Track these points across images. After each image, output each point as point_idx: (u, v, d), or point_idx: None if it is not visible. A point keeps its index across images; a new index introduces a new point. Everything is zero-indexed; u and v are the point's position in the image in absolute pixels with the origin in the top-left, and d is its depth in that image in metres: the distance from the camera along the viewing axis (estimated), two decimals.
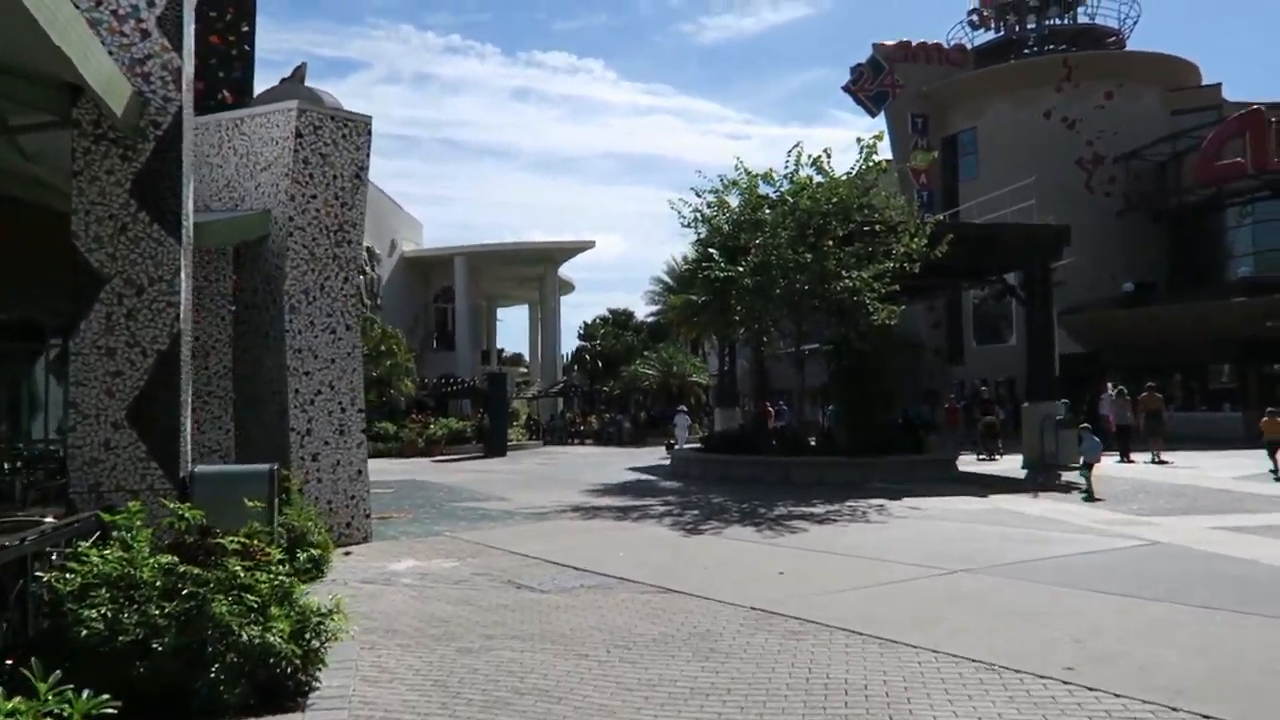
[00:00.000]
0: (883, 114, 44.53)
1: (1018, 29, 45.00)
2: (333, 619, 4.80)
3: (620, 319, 54.98)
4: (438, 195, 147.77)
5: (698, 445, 24.64)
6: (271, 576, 4.69)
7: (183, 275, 6.41)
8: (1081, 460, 15.26)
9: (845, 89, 45.55)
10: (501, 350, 59.62)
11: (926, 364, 38.14)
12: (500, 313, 62.38)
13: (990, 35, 45.93)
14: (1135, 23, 47.26)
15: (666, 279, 50.49)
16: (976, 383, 40.80)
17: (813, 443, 20.91)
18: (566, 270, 52.12)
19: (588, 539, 10.76)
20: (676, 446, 26.78)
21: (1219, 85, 41.67)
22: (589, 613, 6.82)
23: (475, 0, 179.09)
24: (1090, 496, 14.13)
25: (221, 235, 10.11)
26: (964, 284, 25.43)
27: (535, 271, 49.20)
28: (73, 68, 5.04)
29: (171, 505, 4.96)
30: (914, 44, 45.53)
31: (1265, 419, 18.14)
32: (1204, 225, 37.12)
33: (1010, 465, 20.13)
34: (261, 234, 10.43)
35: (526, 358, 59.66)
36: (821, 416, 28.12)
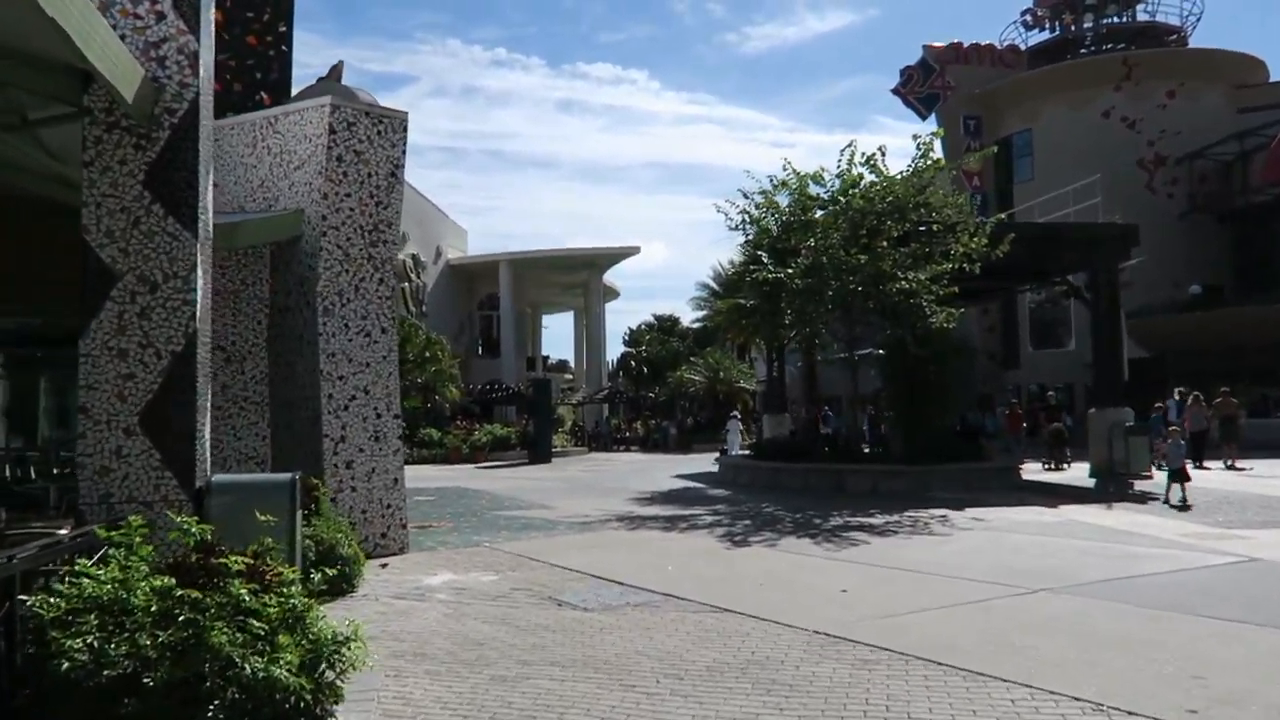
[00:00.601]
0: (933, 117, 43.62)
1: (1074, 28, 43.74)
2: (350, 647, 4.30)
3: (666, 325, 54.36)
4: (483, 206, 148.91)
5: (747, 452, 23.96)
6: (282, 599, 4.20)
7: (199, 272, 5.98)
8: (1166, 466, 14.36)
9: (894, 91, 44.64)
10: (547, 357, 59.37)
11: (980, 369, 37.06)
12: (545, 319, 62.28)
13: (1045, 35, 44.75)
14: (1198, 20, 45.86)
15: (712, 284, 49.85)
16: (1035, 388, 39.64)
17: (866, 450, 20.13)
18: (611, 277, 51.74)
19: (634, 551, 10.20)
20: (729, 453, 26.12)
21: None
22: (636, 635, 6.25)
23: (521, 14, 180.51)
24: (1183, 505, 13.30)
25: (253, 235, 9.77)
26: (1025, 286, 24.39)
27: (580, 278, 48.88)
28: (75, 48, 4.62)
29: (178, 518, 4.51)
30: (965, 45, 44.58)
31: None
32: (1271, 225, 35.63)
33: (1076, 474, 19.17)
34: (295, 234, 10.06)
35: (572, 364, 59.36)
36: (867, 424, 27.32)
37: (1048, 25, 44.79)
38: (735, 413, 32.64)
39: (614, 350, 59.08)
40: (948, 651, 5.53)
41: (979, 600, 7.11)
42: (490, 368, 46.64)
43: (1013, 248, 17.02)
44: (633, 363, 49.62)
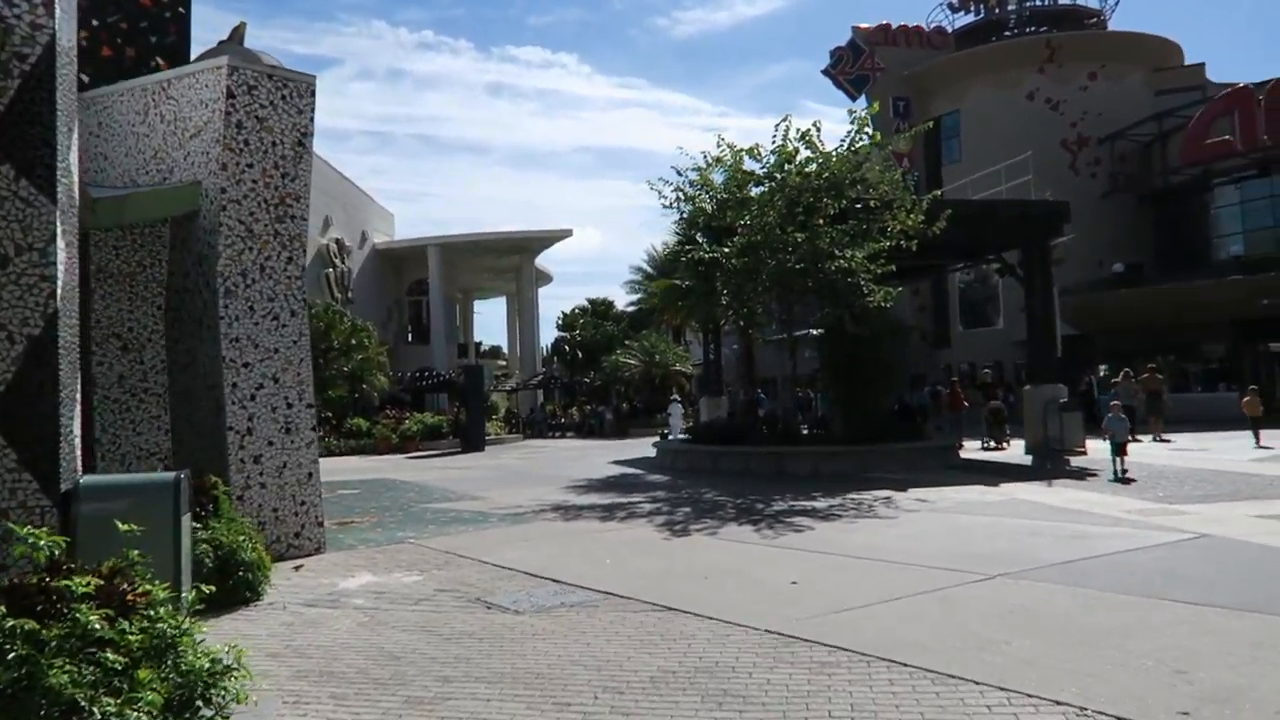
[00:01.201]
0: (863, 98, 43.69)
1: (998, 10, 44.22)
2: (234, 677, 3.64)
3: (600, 309, 53.73)
4: (412, 192, 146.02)
5: (684, 436, 23.53)
6: (147, 625, 3.52)
7: (60, 244, 5.19)
8: (1110, 441, 14.31)
9: (825, 72, 44.60)
10: (479, 343, 58.27)
11: (912, 348, 37.38)
12: (477, 305, 61.07)
13: (971, 17, 45.17)
14: (1117, 3, 46.72)
15: (647, 267, 49.37)
16: (965, 366, 40.08)
17: (804, 432, 19.84)
18: (544, 262, 50.86)
19: (570, 544, 9.63)
20: (670, 437, 25.67)
21: (1202, 65, 41.16)
22: (571, 641, 5.68)
23: None
24: (1121, 478, 13.32)
25: (144, 210, 8.89)
26: (959, 264, 24.36)
27: (511, 262, 47.90)
28: None
29: (22, 530, 3.78)
30: (894, 26, 44.81)
31: (1246, 398, 19.49)
32: (1190, 205, 36.52)
33: (1013, 453, 19.20)
34: (191, 209, 9.19)
35: (505, 350, 58.36)
36: (804, 405, 27.09)
37: (973, 7, 45.22)
38: (676, 396, 32.24)
39: (548, 336, 58.32)
40: (911, 650, 5.08)
41: (935, 589, 6.70)
42: (421, 355, 45.45)
43: (948, 225, 16.83)
44: (567, 347, 48.96)
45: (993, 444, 20.19)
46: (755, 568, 7.90)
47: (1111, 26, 43.34)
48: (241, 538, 6.94)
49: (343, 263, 40.95)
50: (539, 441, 36.48)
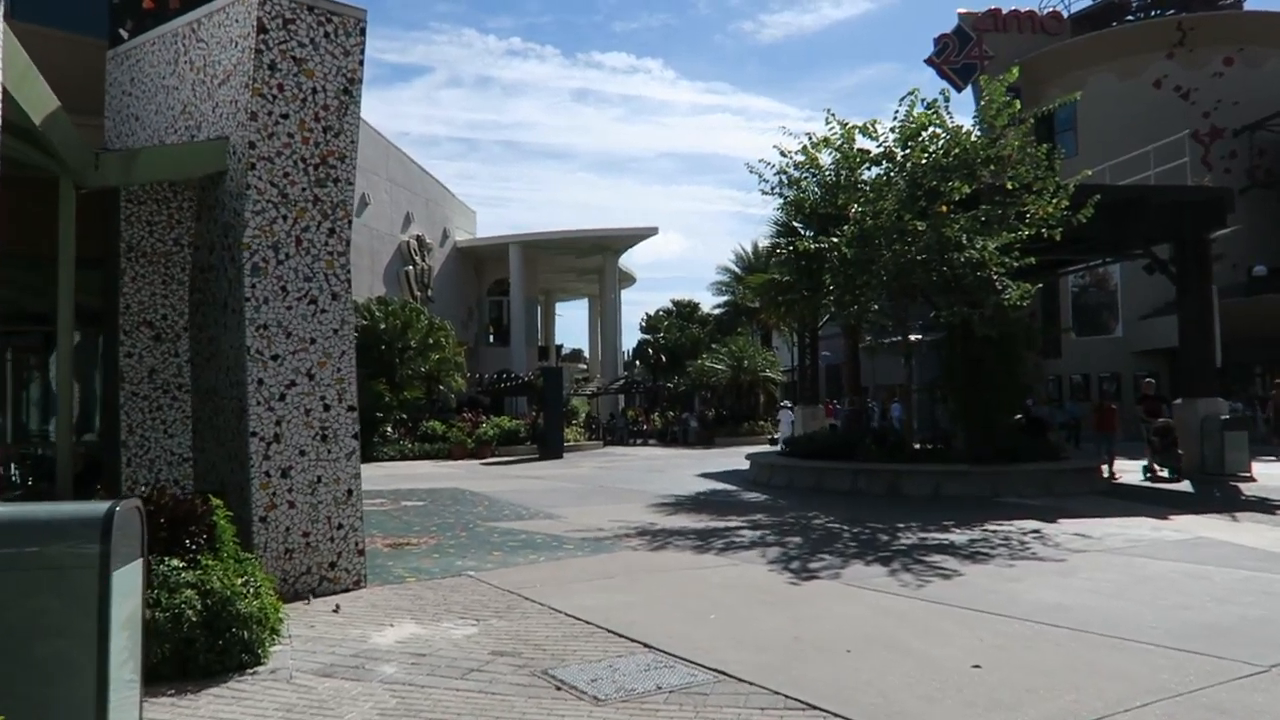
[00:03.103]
0: (969, 89, 41.08)
1: None
2: None
3: (685, 311, 51.76)
4: (498, 197, 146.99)
5: (779, 450, 21.50)
6: None
7: None
8: None
9: (928, 61, 41.97)
10: (560, 346, 56.99)
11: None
12: (559, 308, 59.88)
13: (1088, 1, 41.99)
14: None
15: (735, 268, 47.38)
16: (1078, 378, 37.06)
17: (917, 447, 17.62)
18: (626, 264, 49.24)
19: (661, 585, 7.81)
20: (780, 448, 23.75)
21: None
22: None
23: (536, 3, 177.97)
24: None
25: (156, 168, 7.42)
26: (1100, 259, 21.49)
27: (594, 263, 46.43)
28: None
29: None
30: (1004, 11, 41.96)
31: None
32: None
33: (1134, 474, 16.46)
34: (217, 169, 7.69)
35: (586, 355, 56.97)
36: (880, 416, 24.61)
37: None
38: (786, 402, 30.29)
39: (630, 341, 56.77)
40: None
41: (1192, 688, 4.66)
42: (500, 357, 44.31)
43: (1095, 214, 14.51)
44: (650, 350, 47.24)
45: (1163, 472, 16.54)
46: (910, 634, 5.94)
47: (1249, 6, 39.71)
48: (240, 581, 5.31)
49: (423, 260, 40.04)
50: (619, 449, 34.82)
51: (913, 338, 17.37)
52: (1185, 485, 15.55)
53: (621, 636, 6.00)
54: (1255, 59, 35.89)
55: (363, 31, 7.93)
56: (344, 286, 7.87)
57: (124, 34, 9.89)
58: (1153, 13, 39.88)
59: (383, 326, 30.05)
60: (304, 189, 7.67)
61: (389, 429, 29.21)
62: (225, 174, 7.71)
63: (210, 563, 5.30)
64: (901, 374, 27.30)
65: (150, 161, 7.33)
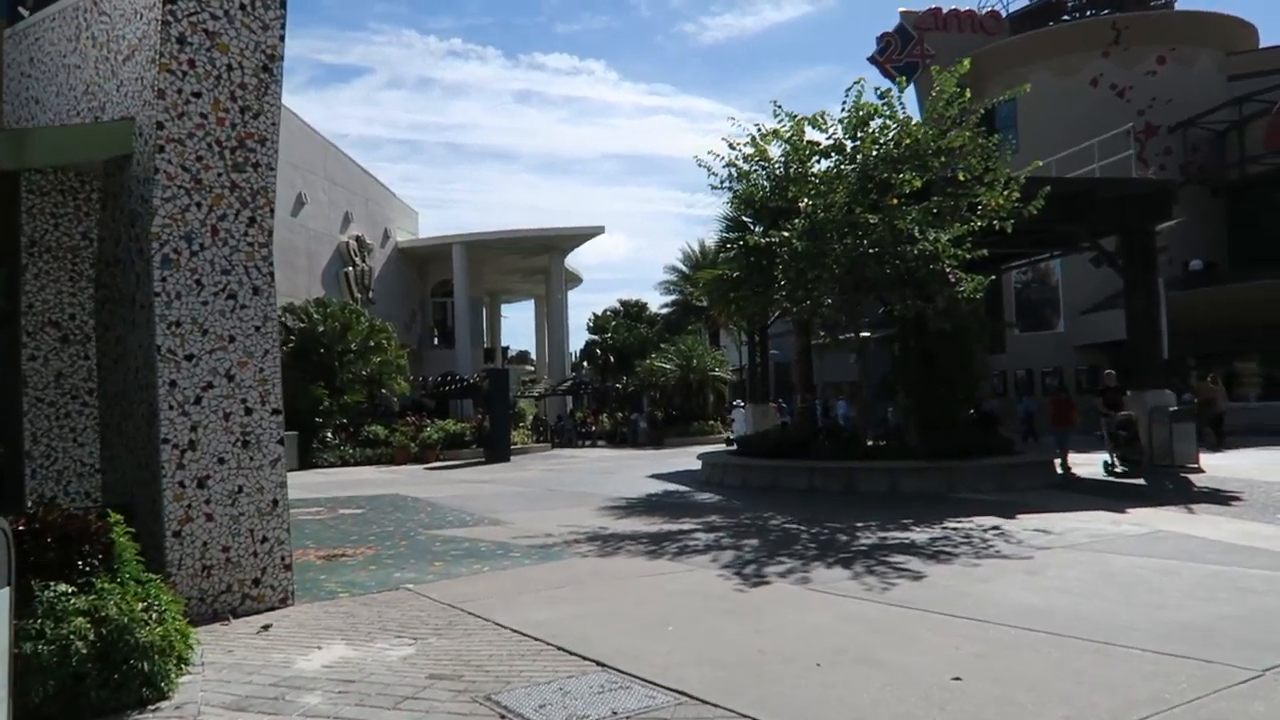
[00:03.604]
0: (912, 87, 41.39)
1: None
2: None
3: (633, 310, 51.35)
4: (443, 199, 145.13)
5: (730, 449, 21.16)
6: None
7: None
8: None
9: (871, 60, 42.20)
10: (506, 348, 56.18)
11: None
12: (505, 310, 59.07)
13: (1026, 0, 42.55)
14: None
15: (682, 267, 47.09)
16: (1021, 373, 37.50)
17: (870, 444, 17.39)
18: (573, 264, 48.65)
19: (614, 594, 7.34)
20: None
21: (1279, 48, 38.24)
22: None
23: (477, 4, 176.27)
24: None
25: (54, 151, 6.75)
26: (1045, 253, 21.42)
27: (540, 262, 45.78)
28: None
29: None
30: (944, 11, 42.35)
31: None
32: (1271, 197, 33.68)
33: (1094, 469, 16.35)
34: (120, 152, 7.03)
35: (534, 356, 56.24)
36: (823, 412, 24.39)
37: None
38: (739, 401, 30.05)
39: (578, 342, 56.19)
40: None
41: (1185, 699, 4.33)
42: (445, 359, 43.42)
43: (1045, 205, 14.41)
44: (598, 351, 46.74)
45: (1123, 467, 15.86)
46: (881, 643, 5.55)
47: (1179, 6, 40.56)
48: (142, 605, 4.71)
49: (363, 261, 39.04)
50: (568, 451, 34.28)
51: (863, 334, 17.14)
52: (1138, 479, 15.53)
53: (572, 654, 5.52)
54: (1186, 58, 36.70)
55: (283, 4, 7.32)
56: (266, 280, 7.26)
57: (24, 12, 9.16)
58: (1088, 12, 40.56)
59: (321, 329, 29.11)
60: (220, 174, 7.04)
61: (329, 434, 28.31)
62: (131, 158, 7.06)
63: (106, 586, 4.70)
64: (848, 371, 27.18)
65: (44, 143, 6.66)
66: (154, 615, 4.73)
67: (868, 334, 17.30)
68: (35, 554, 4.69)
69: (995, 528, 10.36)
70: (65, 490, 8.22)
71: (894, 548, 9.17)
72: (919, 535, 9.95)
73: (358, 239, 38.75)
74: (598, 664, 5.29)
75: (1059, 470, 15.93)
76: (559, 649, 5.63)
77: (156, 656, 4.56)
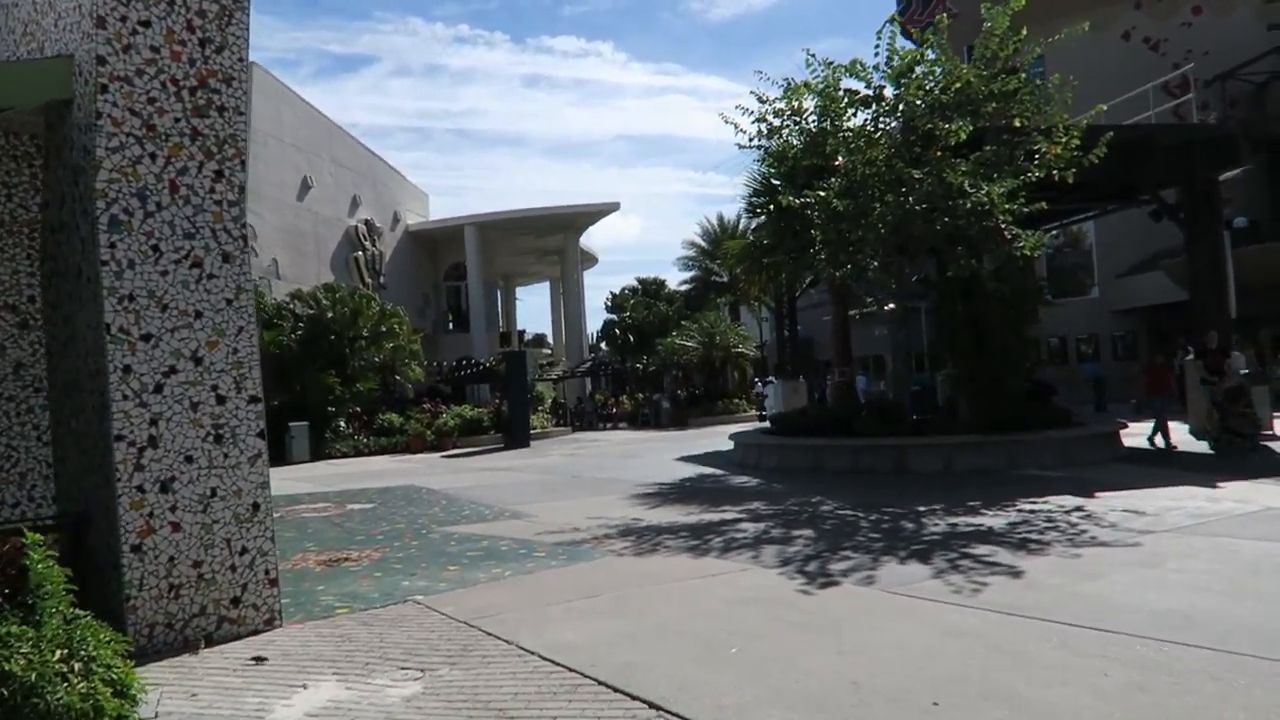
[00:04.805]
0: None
1: None
2: None
3: (651, 288, 50.04)
4: (452, 186, 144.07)
5: (764, 427, 20.00)
6: None
7: None
8: None
9: (892, 20, 40.57)
10: (523, 332, 55.11)
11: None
12: (520, 293, 58.00)
13: None
14: None
15: (701, 243, 45.80)
16: (1055, 341, 36.11)
17: (915, 418, 16.15)
18: (588, 244, 47.42)
19: (658, 604, 6.23)
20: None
21: None
22: None
23: None
24: None
25: None
26: (1099, 207, 19.91)
27: (555, 242, 44.60)
28: None
29: None
30: None
31: None
32: None
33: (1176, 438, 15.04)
34: (58, 95, 5.92)
35: (550, 339, 55.16)
36: (859, 390, 23.07)
37: None
38: (770, 377, 28.93)
39: (595, 324, 55.09)
40: None
41: None
42: (460, 344, 42.42)
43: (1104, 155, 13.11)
44: (617, 331, 45.60)
45: (1237, 438, 13.62)
46: (1006, 670, 4.40)
47: None
48: (61, 654, 3.63)
49: (373, 245, 37.99)
50: (589, 434, 33.22)
51: (888, 307, 15.91)
52: (1199, 445, 14.25)
53: (616, 691, 4.40)
54: (1223, 6, 35.01)
55: None
56: (238, 245, 6.15)
57: None
58: None
59: (330, 315, 28.09)
60: (178, 119, 5.92)
61: (342, 423, 27.35)
62: (72, 103, 5.95)
63: (13, 631, 3.62)
64: (871, 345, 25.79)
65: None
66: (76, 666, 3.64)
67: (897, 305, 16.03)
68: None
69: (1078, 508, 9.20)
70: (30, 495, 7.19)
71: (970, 536, 8.02)
72: (994, 520, 8.79)
73: (367, 222, 37.70)
74: (650, 706, 4.18)
75: (1157, 444, 14.61)
76: (599, 683, 4.52)
77: (95, 713, 3.47)
